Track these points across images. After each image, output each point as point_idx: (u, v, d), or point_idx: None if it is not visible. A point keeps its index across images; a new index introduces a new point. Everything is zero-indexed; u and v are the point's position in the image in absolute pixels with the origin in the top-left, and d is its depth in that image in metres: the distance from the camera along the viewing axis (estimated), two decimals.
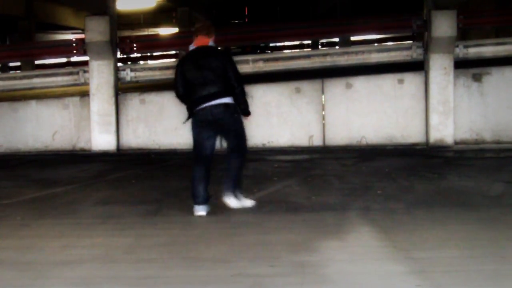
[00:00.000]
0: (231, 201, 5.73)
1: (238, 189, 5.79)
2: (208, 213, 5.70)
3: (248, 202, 5.81)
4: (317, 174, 7.76)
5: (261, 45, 22.85)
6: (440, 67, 9.93)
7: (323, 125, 10.24)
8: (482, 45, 10.63)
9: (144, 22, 31.44)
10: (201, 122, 5.64)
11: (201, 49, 5.73)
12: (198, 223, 5.41)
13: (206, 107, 5.57)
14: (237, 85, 5.62)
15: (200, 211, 5.63)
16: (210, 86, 5.57)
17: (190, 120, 5.76)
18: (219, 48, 5.95)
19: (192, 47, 5.80)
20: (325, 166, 8.45)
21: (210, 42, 5.80)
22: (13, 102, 11.07)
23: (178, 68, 5.78)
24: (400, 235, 4.81)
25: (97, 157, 9.88)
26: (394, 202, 6.00)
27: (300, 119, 10.23)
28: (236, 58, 10.46)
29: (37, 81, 11.15)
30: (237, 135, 5.75)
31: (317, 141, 10.23)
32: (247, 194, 6.31)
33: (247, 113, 5.74)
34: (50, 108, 10.68)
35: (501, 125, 10.10)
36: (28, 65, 20.37)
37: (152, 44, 11.96)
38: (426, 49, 10.09)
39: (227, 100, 5.59)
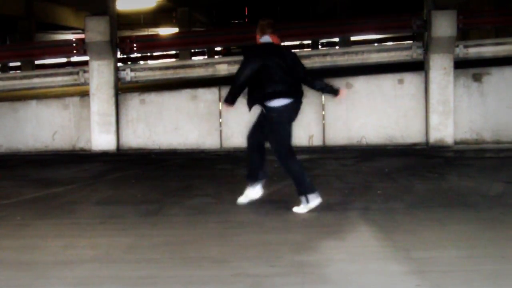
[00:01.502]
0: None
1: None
2: (208, 213, 5.71)
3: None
4: (317, 174, 7.76)
5: None
6: (440, 67, 9.92)
7: (323, 125, 10.24)
8: (482, 45, 10.63)
9: (144, 22, 31.47)
10: (292, 116, 5.84)
11: (279, 46, 5.85)
12: (198, 223, 5.41)
13: (298, 102, 5.78)
14: (310, 78, 5.84)
15: (318, 197, 5.66)
16: (292, 83, 5.72)
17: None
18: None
19: (267, 40, 5.80)
20: (325, 166, 8.45)
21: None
22: (13, 102, 11.07)
23: (254, 55, 5.71)
24: (400, 235, 4.81)
25: (97, 157, 9.88)
26: (394, 202, 6.00)
27: (300, 119, 10.15)
28: (237, 58, 10.48)
29: (37, 81, 11.15)
30: None
31: (317, 141, 10.23)
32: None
33: (337, 91, 5.92)
34: (50, 108, 10.67)
35: (501, 125, 10.09)
36: (28, 65, 20.37)
37: (152, 44, 11.95)
38: (426, 49, 10.09)
39: None
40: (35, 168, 8.96)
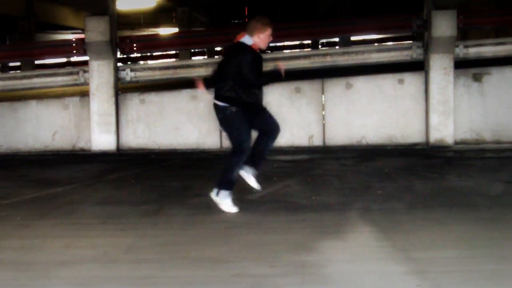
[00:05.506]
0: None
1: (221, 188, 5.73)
2: (208, 213, 5.70)
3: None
4: (317, 174, 7.76)
5: None
6: (440, 67, 9.92)
7: (323, 125, 10.24)
8: (482, 45, 10.62)
9: (144, 22, 31.49)
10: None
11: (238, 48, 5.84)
12: (198, 223, 5.42)
13: (215, 105, 6.06)
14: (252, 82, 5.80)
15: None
16: (219, 83, 5.92)
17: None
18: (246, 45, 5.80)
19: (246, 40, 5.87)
20: (325, 166, 8.45)
21: (244, 38, 5.78)
22: (13, 102, 11.06)
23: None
24: (400, 235, 4.81)
25: (97, 157, 9.88)
26: (394, 202, 6.01)
27: (300, 119, 10.22)
28: None
29: (37, 81, 11.13)
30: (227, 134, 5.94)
31: (317, 141, 10.23)
32: (247, 194, 6.32)
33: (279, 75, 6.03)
34: (50, 108, 10.67)
35: (501, 125, 10.09)
36: (28, 65, 20.37)
37: (152, 44, 11.95)
38: (426, 49, 10.08)
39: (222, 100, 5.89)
40: (35, 168, 8.96)
